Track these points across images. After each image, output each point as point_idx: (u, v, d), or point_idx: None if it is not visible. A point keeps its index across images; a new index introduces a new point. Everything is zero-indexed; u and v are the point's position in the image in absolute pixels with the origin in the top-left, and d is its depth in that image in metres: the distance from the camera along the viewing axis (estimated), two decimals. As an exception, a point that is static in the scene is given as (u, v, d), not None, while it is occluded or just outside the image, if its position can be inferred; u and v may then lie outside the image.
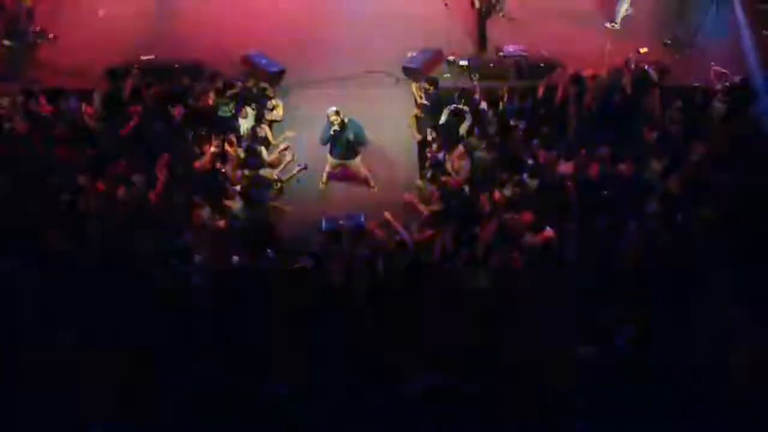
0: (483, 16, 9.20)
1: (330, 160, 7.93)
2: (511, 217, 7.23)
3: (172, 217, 7.32)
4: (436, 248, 7.14)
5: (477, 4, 9.12)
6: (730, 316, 6.10)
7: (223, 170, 7.73)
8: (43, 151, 7.87)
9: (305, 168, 8.13)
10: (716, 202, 7.32)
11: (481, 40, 9.42)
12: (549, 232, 6.98)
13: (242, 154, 7.95)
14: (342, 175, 8.09)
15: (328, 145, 7.84)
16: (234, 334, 6.12)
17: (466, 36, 9.41)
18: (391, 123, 8.63)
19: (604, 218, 7.27)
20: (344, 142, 7.73)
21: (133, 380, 5.62)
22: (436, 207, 7.66)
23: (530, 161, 7.81)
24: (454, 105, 8.17)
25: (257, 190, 7.53)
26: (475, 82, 8.57)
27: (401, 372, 5.89)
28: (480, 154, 7.78)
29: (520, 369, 5.93)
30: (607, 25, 9.64)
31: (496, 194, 7.40)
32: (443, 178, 7.80)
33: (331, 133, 7.67)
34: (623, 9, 9.50)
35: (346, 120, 7.70)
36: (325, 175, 8.03)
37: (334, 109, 7.69)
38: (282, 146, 8.34)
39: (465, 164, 7.85)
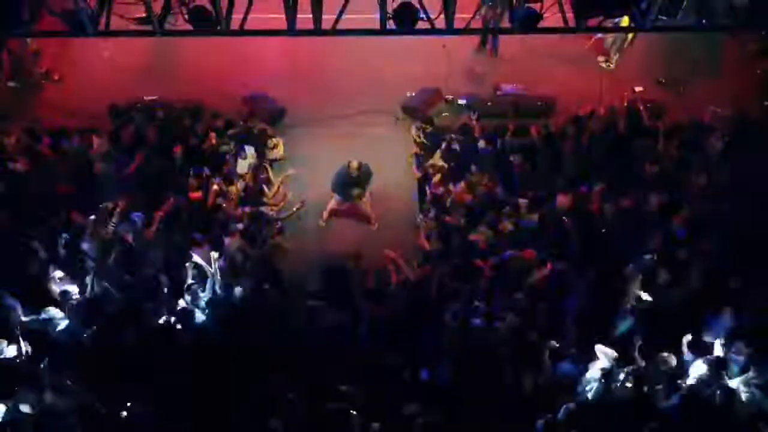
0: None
1: (336, 198, 8.01)
2: (512, 256, 7.27)
3: (171, 254, 7.36)
4: (433, 285, 7.16)
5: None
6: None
7: (223, 207, 7.81)
8: (44, 189, 7.98)
9: (303, 205, 8.22)
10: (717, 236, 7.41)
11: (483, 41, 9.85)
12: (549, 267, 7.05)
13: (243, 193, 8.00)
14: (345, 212, 8.16)
15: (337, 186, 8.00)
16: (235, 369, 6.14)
17: (463, 76, 9.57)
18: (391, 161, 8.73)
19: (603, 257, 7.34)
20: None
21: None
22: (435, 245, 7.70)
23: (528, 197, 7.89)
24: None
25: (258, 227, 7.56)
26: (474, 120, 8.67)
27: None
28: (481, 189, 7.87)
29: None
30: (602, 64, 9.83)
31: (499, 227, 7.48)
32: (445, 218, 7.88)
33: (349, 180, 7.86)
34: (616, 53, 9.69)
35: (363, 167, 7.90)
36: (326, 213, 8.08)
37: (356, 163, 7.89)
38: (282, 185, 8.42)
39: (467, 200, 7.92)
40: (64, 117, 8.90)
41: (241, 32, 6.38)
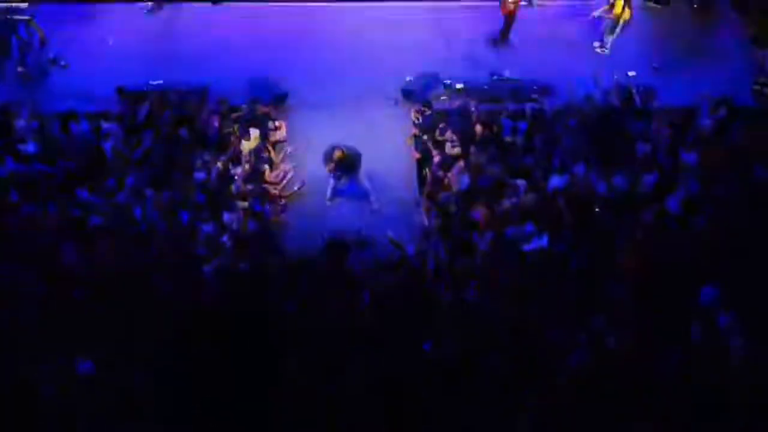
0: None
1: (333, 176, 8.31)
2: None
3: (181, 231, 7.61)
4: (429, 260, 7.41)
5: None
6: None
7: (227, 187, 8.05)
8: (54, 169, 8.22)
9: (304, 184, 8.47)
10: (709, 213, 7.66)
11: (504, 35, 10.02)
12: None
13: (246, 172, 8.24)
14: (347, 190, 8.43)
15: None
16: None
17: (461, 61, 9.79)
18: (391, 143, 8.95)
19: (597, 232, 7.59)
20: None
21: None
22: (434, 222, 7.95)
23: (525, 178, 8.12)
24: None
25: (260, 204, 7.79)
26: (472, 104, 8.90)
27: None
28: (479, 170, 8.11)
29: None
30: (597, 49, 10.05)
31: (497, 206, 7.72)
32: (444, 197, 8.12)
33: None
34: (611, 35, 9.91)
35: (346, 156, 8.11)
36: (330, 190, 8.35)
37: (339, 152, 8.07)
38: (283, 163, 8.66)
39: (464, 179, 8.16)
40: (72, 101, 9.10)
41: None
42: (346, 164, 8.06)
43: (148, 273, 7.03)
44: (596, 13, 10.20)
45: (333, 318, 6.83)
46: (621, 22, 9.74)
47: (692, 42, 10.00)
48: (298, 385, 6.07)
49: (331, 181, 8.31)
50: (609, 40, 9.95)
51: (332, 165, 8.11)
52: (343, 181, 8.33)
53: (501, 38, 10.11)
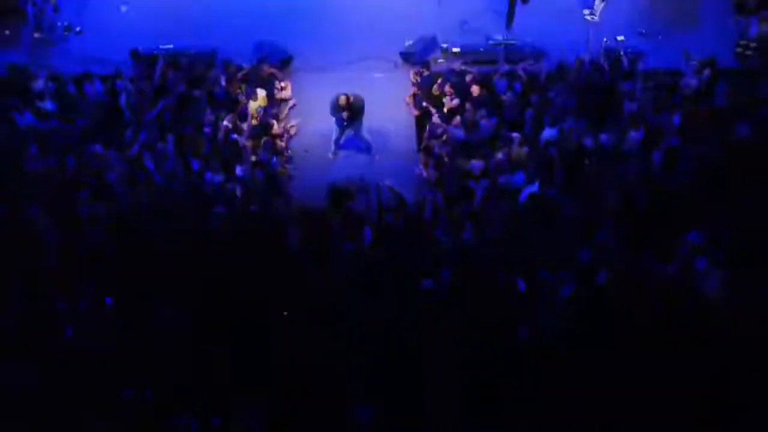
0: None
1: (335, 129, 8.73)
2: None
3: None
4: (427, 206, 7.87)
5: None
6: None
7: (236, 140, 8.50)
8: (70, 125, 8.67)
9: (307, 151, 8.94)
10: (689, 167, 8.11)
11: (510, 18, 10.26)
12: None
13: (253, 127, 8.69)
14: (349, 143, 8.87)
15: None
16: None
17: (457, 26, 10.25)
18: (391, 102, 9.40)
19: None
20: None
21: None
22: (432, 173, 8.41)
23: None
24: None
25: (268, 156, 8.24)
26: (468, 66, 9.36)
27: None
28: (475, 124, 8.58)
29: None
30: (588, 17, 10.50)
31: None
32: (441, 150, 8.57)
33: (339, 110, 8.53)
34: (602, 2, 10.35)
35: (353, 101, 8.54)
36: (333, 143, 8.80)
37: (344, 98, 8.48)
38: (288, 117, 9.13)
39: (460, 133, 8.62)
40: (87, 65, 9.54)
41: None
42: (353, 109, 8.49)
43: (161, 217, 7.49)
44: None
45: (335, 256, 7.32)
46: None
47: (677, 9, 10.45)
48: (301, 324, 6.53)
49: (334, 133, 8.75)
50: (599, 7, 10.39)
51: (342, 110, 8.51)
52: (349, 130, 8.74)
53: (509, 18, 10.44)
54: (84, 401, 5.73)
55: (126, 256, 7.08)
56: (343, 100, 8.46)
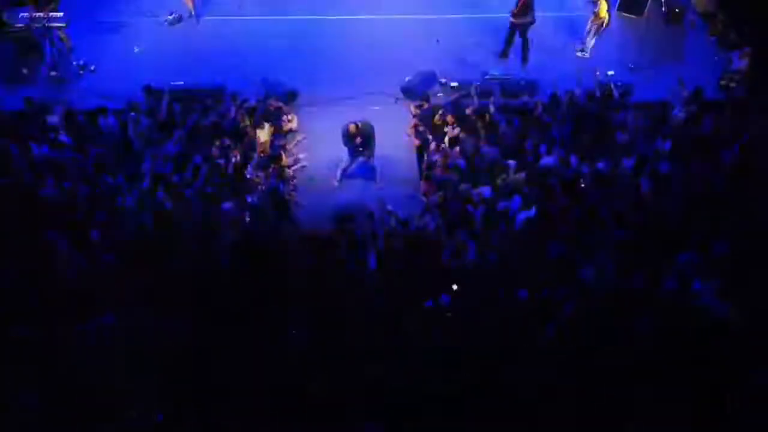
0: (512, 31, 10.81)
1: (345, 159, 9.14)
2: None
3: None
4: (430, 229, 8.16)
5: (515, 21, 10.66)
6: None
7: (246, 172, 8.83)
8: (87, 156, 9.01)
9: (313, 180, 9.30)
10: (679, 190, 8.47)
11: (506, 49, 11.06)
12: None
13: (261, 157, 9.03)
14: (356, 171, 9.28)
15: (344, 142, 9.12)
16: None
17: (455, 63, 10.78)
18: (392, 133, 9.77)
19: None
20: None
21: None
22: (434, 198, 8.72)
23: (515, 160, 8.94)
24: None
25: (276, 183, 8.57)
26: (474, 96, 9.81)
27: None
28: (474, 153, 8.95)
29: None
30: (578, 54, 11.05)
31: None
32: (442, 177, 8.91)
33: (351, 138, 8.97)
34: (592, 40, 10.92)
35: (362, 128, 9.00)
36: (339, 172, 9.17)
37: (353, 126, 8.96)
38: (295, 148, 9.51)
39: (460, 163, 8.98)
40: (101, 100, 9.97)
41: None
42: (364, 134, 8.94)
43: (173, 240, 7.74)
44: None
45: (340, 279, 7.54)
46: (602, 27, 10.75)
47: (663, 44, 11.02)
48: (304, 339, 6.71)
49: (344, 162, 9.13)
50: (590, 44, 10.96)
51: (354, 137, 8.96)
52: (362, 157, 9.12)
53: (504, 51, 11.12)
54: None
55: (137, 277, 7.31)
56: (353, 127, 8.89)
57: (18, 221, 7.82)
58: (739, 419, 5.72)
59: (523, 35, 10.78)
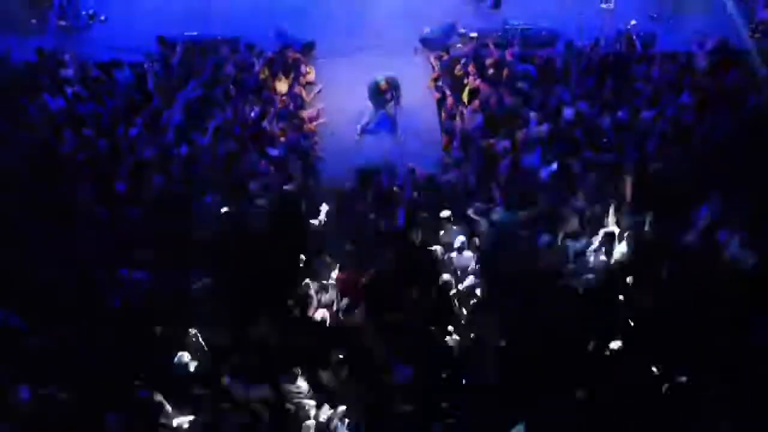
0: None
1: (368, 112, 9.07)
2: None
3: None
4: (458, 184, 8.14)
5: None
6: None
7: (265, 125, 8.73)
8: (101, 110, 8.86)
9: (333, 134, 9.20)
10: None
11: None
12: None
13: (281, 110, 8.92)
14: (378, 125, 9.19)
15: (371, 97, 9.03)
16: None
17: (474, 13, 10.55)
18: (412, 86, 9.61)
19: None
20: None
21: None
22: (457, 152, 8.67)
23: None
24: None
25: (296, 137, 8.50)
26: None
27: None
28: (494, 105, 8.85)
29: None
30: (603, 5, 10.77)
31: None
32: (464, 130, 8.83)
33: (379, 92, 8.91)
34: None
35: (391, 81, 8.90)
36: (359, 126, 9.07)
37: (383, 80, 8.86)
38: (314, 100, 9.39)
39: (478, 117, 8.89)
40: (113, 52, 9.73)
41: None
42: (394, 87, 8.87)
43: (197, 193, 7.71)
44: None
45: (369, 232, 7.57)
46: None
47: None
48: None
49: (366, 117, 9.04)
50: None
51: (385, 92, 8.93)
52: (388, 111, 9.05)
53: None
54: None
55: (163, 233, 7.31)
56: (384, 83, 8.76)
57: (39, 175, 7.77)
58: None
59: None
